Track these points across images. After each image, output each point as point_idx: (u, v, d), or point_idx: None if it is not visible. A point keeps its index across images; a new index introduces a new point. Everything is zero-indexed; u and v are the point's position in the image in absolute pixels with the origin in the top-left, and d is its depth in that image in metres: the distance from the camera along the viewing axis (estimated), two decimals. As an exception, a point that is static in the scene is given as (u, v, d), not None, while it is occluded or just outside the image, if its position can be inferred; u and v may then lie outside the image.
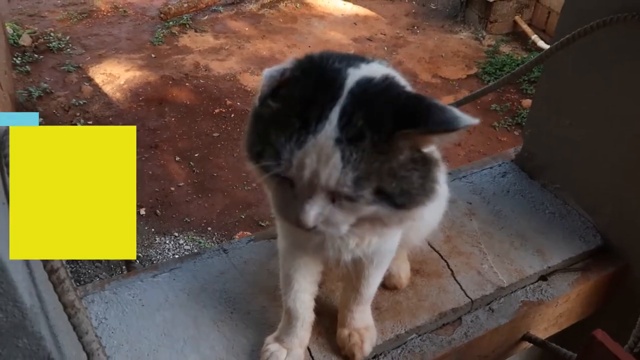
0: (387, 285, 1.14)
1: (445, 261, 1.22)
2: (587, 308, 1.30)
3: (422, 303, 1.13)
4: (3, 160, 0.63)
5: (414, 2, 6.90)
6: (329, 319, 1.08)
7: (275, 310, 1.10)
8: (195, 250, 3.89)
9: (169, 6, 6.09)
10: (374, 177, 0.65)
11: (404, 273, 1.15)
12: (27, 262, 0.64)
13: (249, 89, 5.27)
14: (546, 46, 5.51)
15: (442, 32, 6.22)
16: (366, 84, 0.68)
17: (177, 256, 3.79)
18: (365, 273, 0.96)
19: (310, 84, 0.67)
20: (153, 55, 5.59)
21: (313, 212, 0.67)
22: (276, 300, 1.12)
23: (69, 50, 5.51)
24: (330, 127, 0.64)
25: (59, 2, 6.31)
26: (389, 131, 0.64)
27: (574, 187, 1.36)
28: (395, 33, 6.22)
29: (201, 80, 5.32)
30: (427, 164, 0.70)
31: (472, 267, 1.21)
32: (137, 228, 3.99)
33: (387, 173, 0.66)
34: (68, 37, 5.67)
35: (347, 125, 0.64)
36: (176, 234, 3.97)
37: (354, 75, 0.69)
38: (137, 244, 3.85)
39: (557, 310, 1.23)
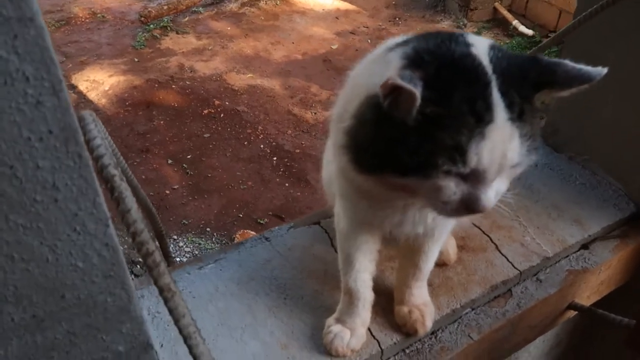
0: (437, 262, 1.13)
1: (488, 236, 1.23)
2: (626, 274, 1.33)
3: (472, 277, 1.14)
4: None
5: (393, -6, 6.93)
6: (384, 298, 1.07)
7: (328, 294, 1.09)
8: (197, 252, 3.86)
9: (149, 9, 6.01)
10: (535, 139, 0.69)
11: (451, 249, 1.16)
12: (117, 247, 0.62)
13: (236, 88, 5.24)
14: (527, 31, 5.63)
15: (423, 22, 6.27)
16: (496, 60, 0.68)
17: (178, 259, 3.75)
18: (425, 247, 0.97)
19: (458, 79, 0.66)
20: (136, 60, 5.50)
21: (493, 192, 0.69)
22: (327, 283, 1.12)
23: (49, 58, 5.40)
24: (501, 111, 0.65)
25: (34, 9, 6.17)
26: (533, 96, 0.69)
27: (603, 158, 1.38)
28: (378, 25, 6.25)
29: (187, 82, 5.26)
30: (539, 113, 0.73)
31: (515, 240, 1.22)
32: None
33: (537, 132, 0.70)
34: (47, 45, 5.55)
35: (510, 105, 0.66)
36: (175, 237, 3.91)
37: (481, 54, 0.68)
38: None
39: (600, 277, 1.25)
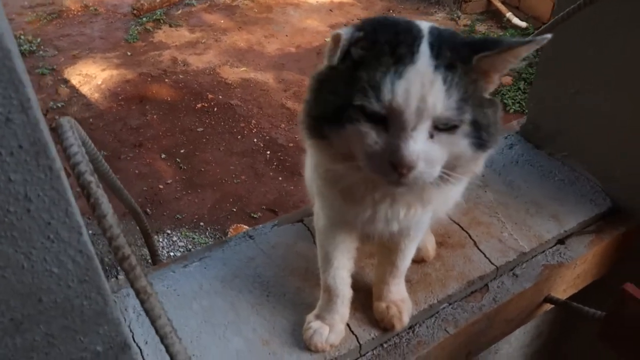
0: (415, 259, 1.16)
1: (467, 232, 1.26)
2: (601, 268, 1.36)
3: (450, 273, 1.17)
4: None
5: (387, -14, 6.92)
6: (363, 294, 1.10)
7: (309, 291, 1.12)
8: (190, 247, 3.88)
9: (141, 2, 5.98)
10: (471, 102, 0.70)
11: (430, 245, 1.18)
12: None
13: (230, 82, 5.24)
14: (521, 23, 5.63)
15: (417, 14, 6.26)
16: (436, 30, 0.73)
17: (172, 254, 3.78)
18: (402, 246, 0.99)
19: (391, 31, 0.71)
20: (129, 53, 5.49)
21: (417, 146, 0.68)
22: (308, 280, 1.14)
23: (41, 52, 5.38)
24: (425, 58, 0.68)
25: (26, 3, 6.14)
26: (470, 58, 0.70)
27: (581, 154, 1.41)
28: (372, 18, 6.24)
29: (180, 76, 5.25)
30: (495, 104, 0.76)
31: (493, 235, 1.25)
32: (129, 228, 3.96)
33: (477, 101, 0.71)
34: (39, 39, 5.53)
35: (438, 56, 0.69)
36: (169, 232, 3.94)
37: (422, 24, 0.74)
38: (130, 244, 3.82)
39: (576, 271, 1.28)
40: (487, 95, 0.75)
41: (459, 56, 0.70)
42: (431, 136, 0.70)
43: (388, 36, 0.71)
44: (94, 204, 0.63)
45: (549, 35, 0.72)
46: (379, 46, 0.70)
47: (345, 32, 0.70)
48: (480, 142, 0.73)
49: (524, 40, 0.70)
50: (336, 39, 0.70)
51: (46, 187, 0.49)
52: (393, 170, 0.69)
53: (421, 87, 0.67)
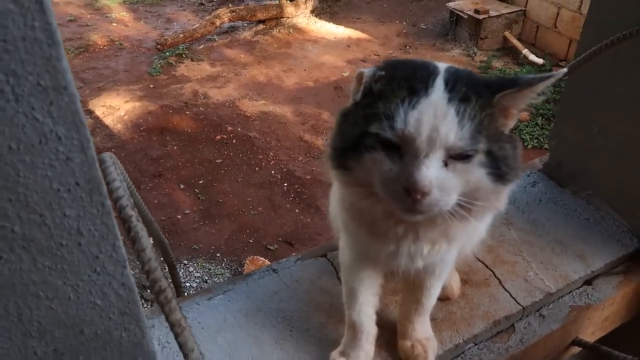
0: (440, 296, 1.15)
1: (491, 270, 1.25)
2: (631, 310, 1.33)
3: (476, 312, 1.16)
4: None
5: (404, 23, 7.06)
6: (387, 332, 1.09)
7: (333, 327, 1.12)
8: (206, 278, 3.89)
9: (165, 37, 6.17)
10: (485, 134, 0.72)
11: (455, 283, 1.18)
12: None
13: (249, 115, 5.33)
14: (538, 60, 5.68)
15: (434, 50, 6.35)
16: (453, 68, 0.77)
17: (188, 284, 3.78)
18: (427, 284, 0.99)
19: (408, 69, 0.75)
20: (152, 86, 5.64)
21: (430, 172, 0.70)
22: (332, 316, 1.14)
23: (67, 84, 5.54)
24: (439, 91, 0.72)
25: (55, 37, 6.36)
26: (488, 95, 0.73)
27: (606, 193, 1.40)
28: (388, 53, 6.34)
29: (201, 108, 5.37)
30: (514, 140, 0.78)
31: (518, 275, 1.24)
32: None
33: (493, 134, 0.73)
34: (66, 72, 5.71)
35: (453, 90, 0.72)
36: (185, 262, 3.95)
37: (440, 64, 0.77)
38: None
39: (604, 313, 1.26)
40: (506, 132, 0.77)
41: (474, 91, 0.73)
42: (445, 165, 0.72)
43: (406, 73, 0.75)
44: (134, 238, 0.65)
45: (565, 69, 0.75)
46: (397, 81, 0.74)
47: (367, 71, 0.75)
48: (498, 173, 0.74)
49: (543, 76, 0.73)
50: (359, 77, 0.75)
51: (97, 222, 0.50)
52: (407, 196, 0.71)
53: (434, 118, 0.70)
